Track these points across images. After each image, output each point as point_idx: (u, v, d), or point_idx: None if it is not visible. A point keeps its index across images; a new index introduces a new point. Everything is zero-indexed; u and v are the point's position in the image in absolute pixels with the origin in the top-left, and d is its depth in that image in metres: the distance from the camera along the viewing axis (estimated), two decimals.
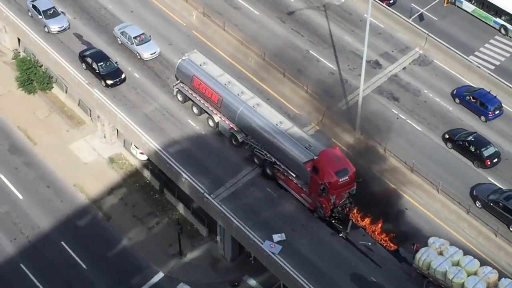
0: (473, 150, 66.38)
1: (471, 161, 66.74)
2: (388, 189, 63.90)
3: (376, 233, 60.91)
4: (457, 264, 56.60)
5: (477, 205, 63.20)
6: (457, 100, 71.66)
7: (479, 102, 70.21)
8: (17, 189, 71.23)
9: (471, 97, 70.75)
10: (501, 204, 61.97)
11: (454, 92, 72.21)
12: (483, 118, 70.25)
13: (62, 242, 67.49)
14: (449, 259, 56.67)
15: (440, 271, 56.23)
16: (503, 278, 56.07)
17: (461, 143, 67.13)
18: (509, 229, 61.61)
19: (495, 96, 70.53)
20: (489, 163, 65.94)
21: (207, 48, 75.41)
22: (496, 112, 70.18)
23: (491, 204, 62.49)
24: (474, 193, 63.91)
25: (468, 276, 55.66)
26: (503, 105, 70.55)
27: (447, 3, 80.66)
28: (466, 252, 58.30)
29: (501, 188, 63.93)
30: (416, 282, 58.35)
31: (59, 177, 72.38)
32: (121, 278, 65.60)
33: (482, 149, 66.05)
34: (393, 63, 75.48)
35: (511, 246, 60.10)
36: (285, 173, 63.56)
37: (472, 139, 66.78)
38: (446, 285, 56.29)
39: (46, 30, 77.00)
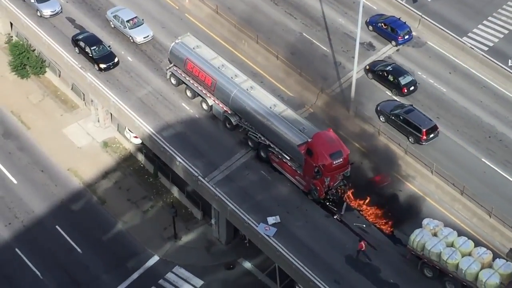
0: (391, 79, 70.30)
1: (390, 90, 70.26)
2: (381, 174, 63.92)
3: (373, 215, 61.11)
4: (451, 245, 56.75)
5: (381, 119, 67.76)
6: (371, 28, 76.32)
7: (390, 28, 74.95)
8: (11, 173, 71.15)
9: (382, 24, 75.56)
10: (401, 117, 66.42)
11: (368, 21, 76.50)
12: (393, 42, 74.79)
13: (57, 227, 67.50)
14: (444, 240, 56.82)
15: (434, 252, 56.39)
16: (498, 259, 56.24)
17: (380, 73, 71.10)
18: (409, 140, 65.84)
19: (405, 22, 75.38)
20: (405, 90, 69.81)
21: (200, 31, 75.19)
22: (406, 37, 74.87)
23: (393, 117, 66.97)
24: (379, 108, 68.49)
25: (462, 257, 55.84)
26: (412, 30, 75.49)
27: None
28: (461, 233, 58.45)
29: (403, 104, 68.30)
30: (411, 263, 58.53)
31: (53, 162, 72.31)
32: (116, 261, 65.65)
33: (400, 78, 69.89)
34: (387, 45, 75.39)
35: (505, 227, 60.27)
36: (279, 156, 63.54)
37: (390, 69, 70.86)
38: (441, 266, 56.48)
39: (38, 14, 76.65)
